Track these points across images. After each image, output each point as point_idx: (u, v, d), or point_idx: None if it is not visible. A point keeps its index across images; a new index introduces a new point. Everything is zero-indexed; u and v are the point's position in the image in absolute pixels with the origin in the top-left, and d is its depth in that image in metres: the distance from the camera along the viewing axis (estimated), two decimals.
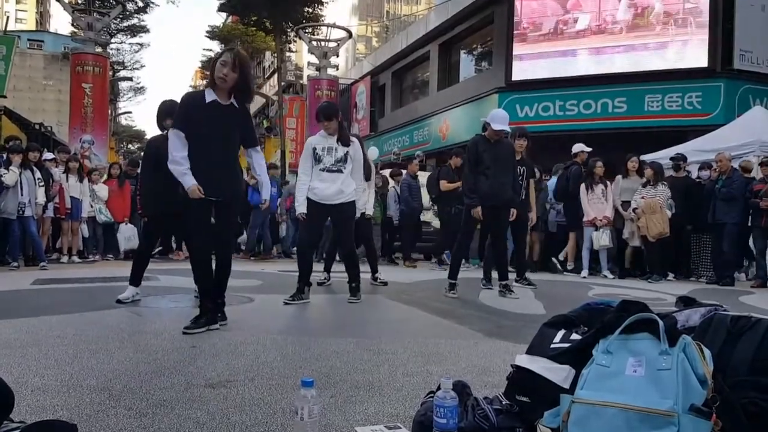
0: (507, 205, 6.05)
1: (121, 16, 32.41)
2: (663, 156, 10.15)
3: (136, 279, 5.12)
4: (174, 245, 10.71)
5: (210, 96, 3.84)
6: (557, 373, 1.87)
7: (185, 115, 3.85)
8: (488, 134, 6.03)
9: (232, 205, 4.07)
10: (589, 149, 9.37)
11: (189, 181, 3.76)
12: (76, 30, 21.48)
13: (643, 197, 8.62)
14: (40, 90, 38.10)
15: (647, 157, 9.78)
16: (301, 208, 5.28)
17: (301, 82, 30.42)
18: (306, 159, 5.28)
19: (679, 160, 9.25)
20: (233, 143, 4.00)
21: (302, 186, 5.29)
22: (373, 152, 14.41)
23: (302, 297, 5.25)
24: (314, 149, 5.22)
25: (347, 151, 5.27)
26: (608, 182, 9.01)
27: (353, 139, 5.46)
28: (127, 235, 10.14)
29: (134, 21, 36.84)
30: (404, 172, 11.25)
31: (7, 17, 25.94)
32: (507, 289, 6.00)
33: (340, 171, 5.22)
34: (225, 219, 4.08)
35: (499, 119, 6.01)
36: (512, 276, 6.55)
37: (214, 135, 3.84)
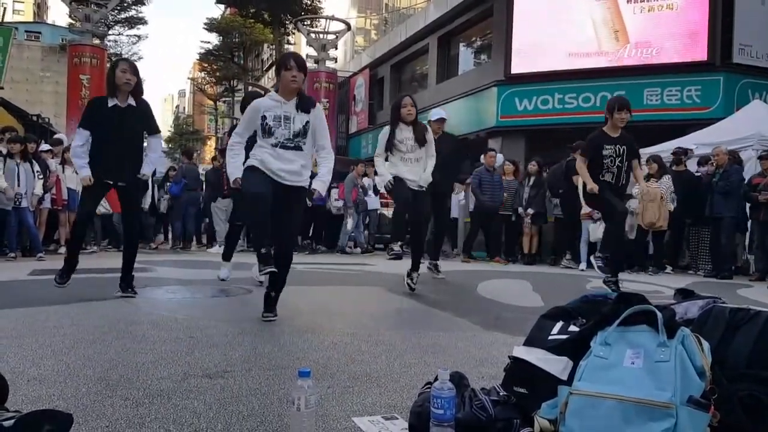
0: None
1: (118, 8, 32.34)
2: (662, 150, 10.14)
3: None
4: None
5: (112, 101, 4.62)
6: (555, 364, 1.87)
7: (90, 118, 4.68)
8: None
9: (133, 189, 4.90)
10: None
11: (84, 172, 4.65)
12: (73, 21, 21.37)
13: (648, 186, 8.61)
14: (38, 82, 37.99)
15: (646, 151, 9.77)
16: (233, 182, 3.89)
17: None
18: (248, 124, 3.94)
19: (680, 154, 9.24)
20: (134, 137, 4.84)
21: (235, 157, 3.94)
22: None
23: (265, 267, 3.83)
24: (263, 117, 3.82)
25: (307, 120, 3.90)
26: None
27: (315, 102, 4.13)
28: None
29: (132, 12, 36.80)
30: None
31: (4, 8, 25.80)
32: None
33: (298, 148, 3.87)
34: (128, 202, 4.93)
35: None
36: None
37: (115, 132, 4.64)
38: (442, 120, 6.94)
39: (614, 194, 5.70)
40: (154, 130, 5.04)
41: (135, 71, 4.66)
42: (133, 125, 4.75)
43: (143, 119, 4.85)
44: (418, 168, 5.70)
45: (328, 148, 4.14)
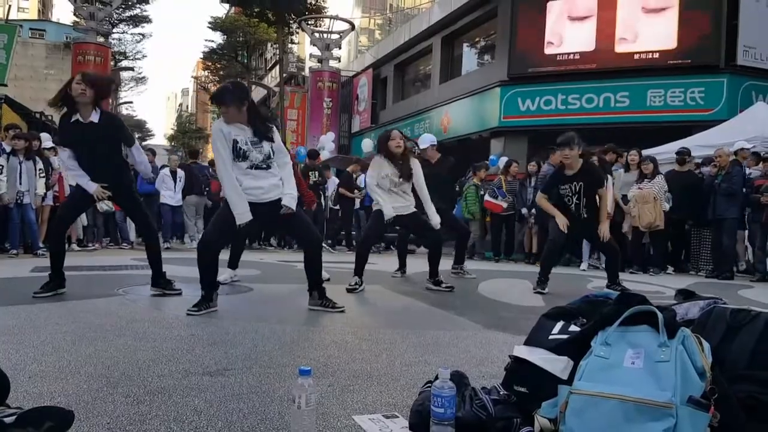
0: None
1: (123, 6, 32.40)
2: (665, 151, 10.14)
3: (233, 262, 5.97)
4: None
5: (74, 117, 4.51)
6: (555, 364, 1.87)
7: (61, 136, 4.80)
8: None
9: (127, 189, 4.79)
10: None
11: (91, 185, 4.58)
12: (78, 19, 21.42)
13: (640, 187, 8.63)
14: (42, 79, 38.03)
15: (649, 152, 9.76)
16: (245, 216, 4.03)
17: (303, 74, 30.33)
18: (223, 148, 4.04)
19: (684, 155, 9.23)
20: (109, 152, 4.63)
21: (233, 184, 4.04)
22: (367, 144, 14.34)
23: (209, 305, 4.15)
24: (235, 141, 4.02)
25: (272, 145, 4.17)
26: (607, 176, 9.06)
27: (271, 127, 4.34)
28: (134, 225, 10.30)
29: (136, 11, 36.82)
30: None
31: (9, 6, 25.89)
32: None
33: (269, 167, 4.15)
34: (130, 201, 4.87)
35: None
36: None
37: (86, 149, 4.58)
38: (434, 145, 7.13)
39: (578, 229, 5.81)
40: (130, 141, 4.83)
41: (92, 81, 4.47)
42: (100, 141, 4.55)
43: (112, 133, 4.64)
44: (407, 197, 5.76)
45: (290, 164, 4.40)
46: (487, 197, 10.59)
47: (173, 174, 11.53)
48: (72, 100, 4.45)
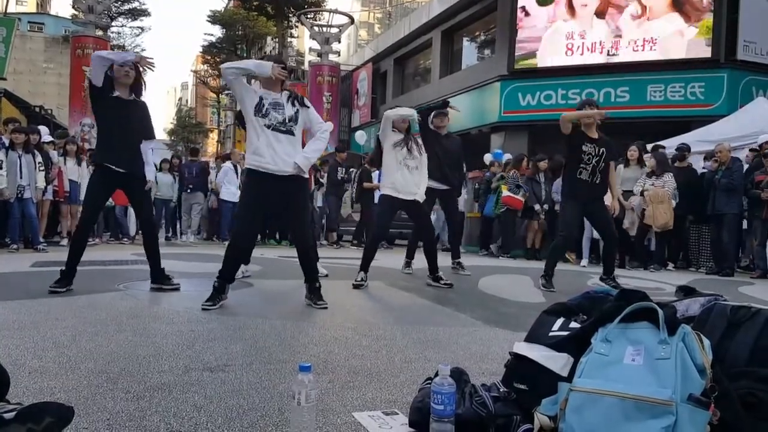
0: None
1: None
2: (666, 146, 10.12)
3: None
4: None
5: (114, 92, 4.56)
6: (555, 361, 1.87)
7: (95, 104, 4.65)
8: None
9: (141, 182, 4.76)
10: None
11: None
12: (76, 13, 21.35)
13: (653, 184, 8.58)
14: (41, 73, 37.94)
15: (649, 146, 9.74)
16: (263, 65, 4.19)
17: (303, 68, 30.28)
18: (247, 89, 4.18)
19: (684, 150, 9.23)
20: (138, 132, 4.72)
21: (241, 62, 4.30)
22: (360, 137, 14.30)
23: (222, 297, 4.19)
24: (261, 98, 4.12)
25: (298, 110, 4.22)
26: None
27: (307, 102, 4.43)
28: (134, 219, 10.32)
29: (135, 4, 36.72)
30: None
31: None
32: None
33: (290, 133, 4.15)
34: (139, 195, 4.83)
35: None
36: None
37: (122, 121, 4.60)
38: (441, 113, 6.73)
39: (588, 195, 5.75)
40: (152, 134, 4.97)
41: (135, 66, 4.64)
42: (136, 120, 4.71)
43: (145, 116, 4.85)
44: (416, 175, 5.59)
45: (327, 131, 4.35)
46: (507, 192, 10.29)
47: (235, 168, 11.22)
48: (111, 81, 4.54)
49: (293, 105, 4.20)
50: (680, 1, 14.00)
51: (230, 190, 11.08)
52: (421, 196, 5.64)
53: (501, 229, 10.82)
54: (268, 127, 4.08)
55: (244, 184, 4.36)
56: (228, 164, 11.64)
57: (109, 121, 4.63)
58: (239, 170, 10.93)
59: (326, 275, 5.88)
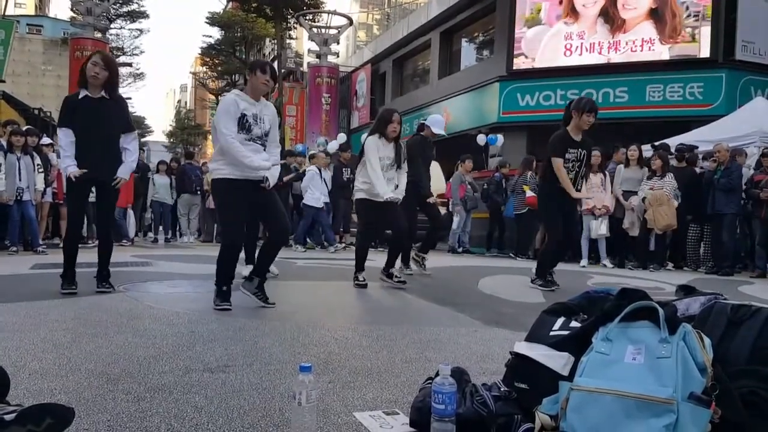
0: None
1: (120, 2, 32.35)
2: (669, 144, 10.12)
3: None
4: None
5: (82, 93, 4.56)
6: (556, 360, 1.87)
7: (66, 114, 4.57)
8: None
9: (110, 186, 4.70)
10: None
11: (70, 168, 4.51)
12: (75, 15, 21.36)
13: (652, 188, 8.57)
14: (39, 75, 37.97)
15: (646, 147, 9.74)
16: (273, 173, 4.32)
17: (302, 69, 30.29)
18: (229, 119, 4.13)
19: (684, 151, 9.23)
20: (112, 130, 4.68)
21: (241, 150, 4.12)
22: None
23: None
24: (244, 115, 4.16)
25: (270, 127, 4.38)
26: (606, 172, 9.09)
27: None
28: (133, 222, 10.28)
29: (134, 6, 36.74)
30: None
31: (6, 1, 25.80)
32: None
33: (263, 145, 4.31)
34: (106, 198, 4.81)
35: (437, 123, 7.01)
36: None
37: (93, 124, 4.55)
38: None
39: (570, 200, 5.74)
40: (130, 127, 4.87)
41: (108, 65, 4.57)
42: (108, 116, 4.62)
43: (118, 112, 4.73)
44: (390, 186, 5.60)
45: (277, 155, 4.47)
46: (531, 193, 9.98)
47: (320, 172, 10.93)
48: (84, 78, 4.53)
49: (268, 122, 4.33)
50: (680, 2, 14.02)
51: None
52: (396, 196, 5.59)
53: (520, 230, 10.67)
54: (249, 140, 4.21)
55: (221, 190, 4.28)
56: (314, 168, 11.58)
57: (79, 121, 4.55)
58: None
59: (276, 275, 5.94)
